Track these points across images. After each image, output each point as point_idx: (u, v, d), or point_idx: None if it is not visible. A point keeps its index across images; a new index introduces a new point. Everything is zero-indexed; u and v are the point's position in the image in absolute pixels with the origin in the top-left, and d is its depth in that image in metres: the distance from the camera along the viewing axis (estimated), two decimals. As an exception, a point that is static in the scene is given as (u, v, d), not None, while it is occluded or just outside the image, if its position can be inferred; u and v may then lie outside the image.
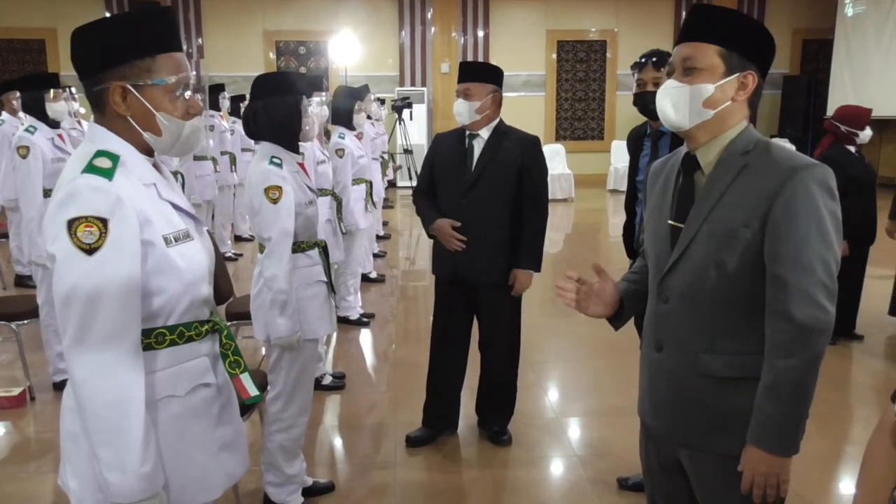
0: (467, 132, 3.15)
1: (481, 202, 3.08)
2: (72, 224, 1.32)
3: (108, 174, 1.37)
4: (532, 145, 3.14)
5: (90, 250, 1.32)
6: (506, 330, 3.27)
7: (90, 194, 1.34)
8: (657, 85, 2.63)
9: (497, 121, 3.16)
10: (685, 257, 1.55)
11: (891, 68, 11.11)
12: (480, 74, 3.10)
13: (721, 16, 1.54)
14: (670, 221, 1.60)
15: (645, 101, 2.75)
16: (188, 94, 1.50)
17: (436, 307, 3.34)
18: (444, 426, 3.43)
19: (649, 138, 2.89)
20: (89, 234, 1.32)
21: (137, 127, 1.45)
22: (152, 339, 1.45)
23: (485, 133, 3.12)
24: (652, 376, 1.67)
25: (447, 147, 3.21)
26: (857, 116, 4.51)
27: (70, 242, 1.32)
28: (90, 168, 1.37)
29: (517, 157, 3.08)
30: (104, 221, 1.33)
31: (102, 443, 1.34)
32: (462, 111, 3.08)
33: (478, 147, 3.13)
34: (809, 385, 1.46)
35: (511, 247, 3.13)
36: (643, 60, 2.79)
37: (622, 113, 12.56)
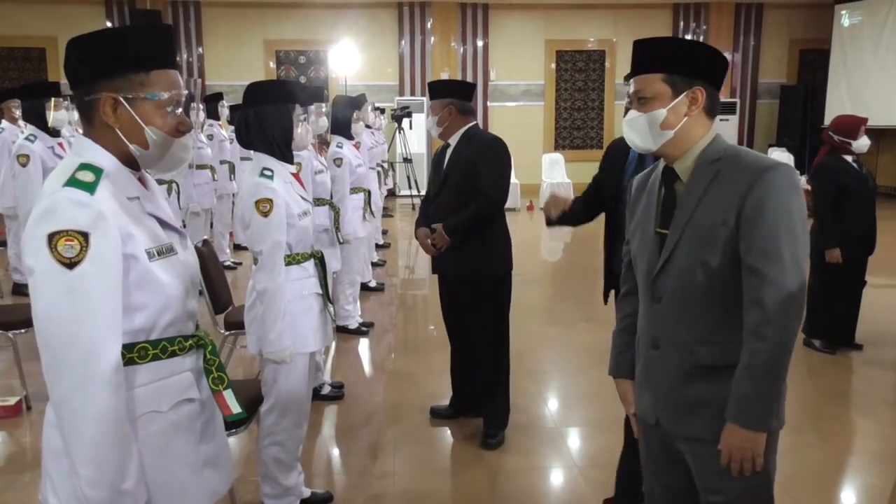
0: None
1: (447, 204, 3.35)
2: (52, 238, 1.31)
3: (90, 188, 1.36)
4: (482, 145, 3.34)
5: (70, 264, 1.31)
6: (485, 324, 3.38)
7: (71, 208, 1.33)
8: None
9: (467, 127, 3.38)
10: (672, 260, 1.69)
11: (887, 78, 11.15)
12: (435, 91, 3.39)
13: (657, 46, 1.70)
14: (658, 229, 1.74)
15: None
16: (179, 111, 1.49)
17: (440, 299, 3.64)
18: (468, 408, 3.63)
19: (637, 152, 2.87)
20: (70, 248, 1.31)
21: (124, 139, 1.44)
22: (135, 353, 1.43)
23: (453, 141, 3.39)
24: (651, 372, 1.78)
25: (436, 156, 3.54)
26: (849, 126, 4.53)
27: (50, 256, 1.30)
28: (72, 181, 1.36)
29: (472, 159, 3.30)
30: (85, 235, 1.32)
31: (82, 459, 1.32)
32: (428, 127, 3.49)
33: (448, 154, 3.41)
34: (782, 365, 1.59)
35: (478, 244, 3.30)
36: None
37: (620, 122, 12.35)
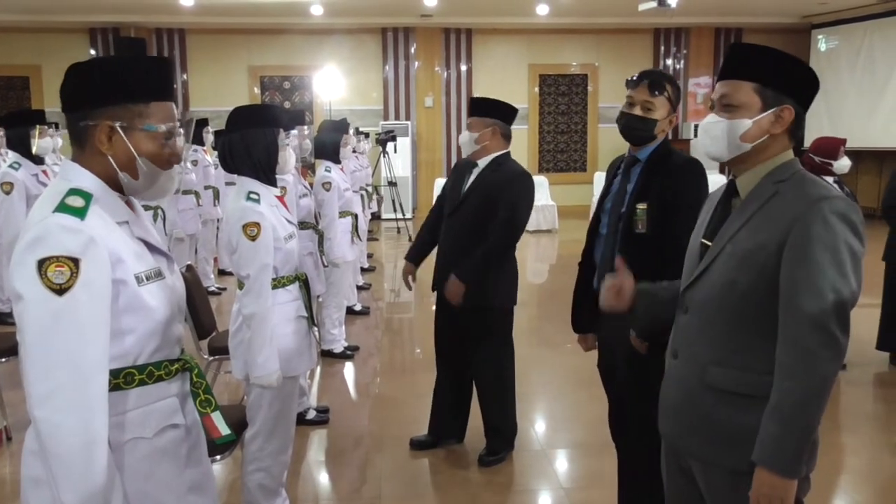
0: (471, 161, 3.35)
1: (461, 227, 3.25)
2: (42, 264, 1.30)
3: (80, 213, 1.36)
4: (510, 177, 3.22)
5: (60, 290, 1.30)
6: (488, 355, 3.33)
7: (62, 234, 1.33)
8: (645, 108, 2.43)
9: (498, 154, 3.28)
10: (707, 273, 1.64)
11: (864, 101, 11.38)
12: (480, 110, 3.30)
13: (756, 54, 1.63)
14: (702, 239, 1.71)
15: (629, 123, 2.47)
16: (172, 142, 1.50)
17: (434, 322, 3.54)
18: (447, 435, 3.58)
19: (624, 163, 2.62)
20: (60, 273, 1.30)
21: (115, 167, 1.45)
22: (121, 378, 1.42)
23: (482, 163, 3.29)
24: (667, 382, 1.76)
25: (455, 171, 3.44)
26: (829, 147, 4.65)
27: (40, 283, 1.30)
28: (62, 207, 1.36)
29: (497, 190, 3.19)
30: (76, 261, 1.32)
31: (67, 489, 1.30)
32: (464, 142, 3.32)
33: (473, 176, 3.29)
34: (812, 408, 1.47)
35: (486, 275, 3.20)
36: (637, 78, 2.51)
37: (604, 145, 12.70)
